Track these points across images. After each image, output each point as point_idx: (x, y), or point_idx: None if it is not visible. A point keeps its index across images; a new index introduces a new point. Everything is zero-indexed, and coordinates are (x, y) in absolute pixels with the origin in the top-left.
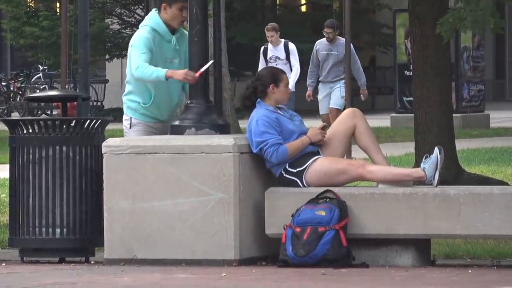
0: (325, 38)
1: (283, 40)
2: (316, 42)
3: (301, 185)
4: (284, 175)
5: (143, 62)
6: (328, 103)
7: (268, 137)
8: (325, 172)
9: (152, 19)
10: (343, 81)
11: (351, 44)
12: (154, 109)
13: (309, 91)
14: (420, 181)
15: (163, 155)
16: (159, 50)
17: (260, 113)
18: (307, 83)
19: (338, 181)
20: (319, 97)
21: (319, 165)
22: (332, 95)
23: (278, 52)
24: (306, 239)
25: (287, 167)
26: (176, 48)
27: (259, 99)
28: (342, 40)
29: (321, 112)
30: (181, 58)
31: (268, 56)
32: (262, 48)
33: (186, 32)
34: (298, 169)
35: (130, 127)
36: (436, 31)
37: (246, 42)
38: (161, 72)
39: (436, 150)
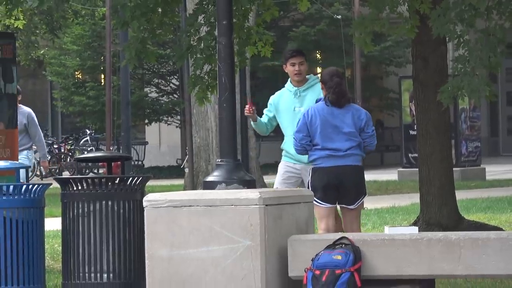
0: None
1: None
2: None
3: None
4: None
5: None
6: None
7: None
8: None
9: None
10: (26, 151)
11: (32, 112)
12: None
13: None
14: None
15: (197, 207)
16: (287, 102)
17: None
18: None
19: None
20: None
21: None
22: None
23: None
24: (325, 280)
25: None
26: (301, 98)
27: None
28: (22, 107)
29: None
30: (307, 106)
31: None
32: None
33: (316, 84)
34: None
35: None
36: (437, 96)
37: None
38: None
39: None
